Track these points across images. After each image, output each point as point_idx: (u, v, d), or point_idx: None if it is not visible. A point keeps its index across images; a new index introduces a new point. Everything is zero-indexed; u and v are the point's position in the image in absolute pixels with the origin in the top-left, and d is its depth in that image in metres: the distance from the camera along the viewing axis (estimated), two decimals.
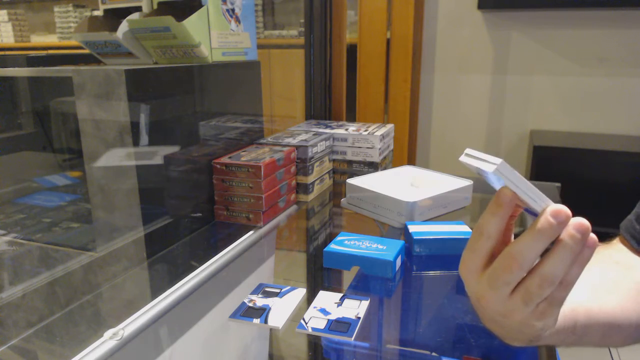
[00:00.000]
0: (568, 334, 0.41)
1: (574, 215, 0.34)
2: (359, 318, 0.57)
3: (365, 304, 0.60)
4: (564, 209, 0.33)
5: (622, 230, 0.61)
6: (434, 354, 0.52)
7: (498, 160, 0.33)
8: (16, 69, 0.94)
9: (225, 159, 0.88)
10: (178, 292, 0.65)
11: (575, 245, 0.33)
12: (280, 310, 0.59)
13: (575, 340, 0.42)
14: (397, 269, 0.69)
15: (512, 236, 0.39)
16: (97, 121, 0.71)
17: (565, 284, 0.35)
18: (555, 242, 0.34)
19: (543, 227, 0.33)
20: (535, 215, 0.36)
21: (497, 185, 0.36)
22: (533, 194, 0.34)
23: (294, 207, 0.99)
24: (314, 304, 0.60)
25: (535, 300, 0.35)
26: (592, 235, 0.34)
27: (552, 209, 0.33)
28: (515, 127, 2.16)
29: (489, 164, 0.34)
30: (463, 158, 0.36)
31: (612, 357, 1.59)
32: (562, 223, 0.33)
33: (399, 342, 0.57)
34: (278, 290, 0.64)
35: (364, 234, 0.75)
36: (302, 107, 1.46)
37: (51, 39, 3.71)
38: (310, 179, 1.01)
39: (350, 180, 0.96)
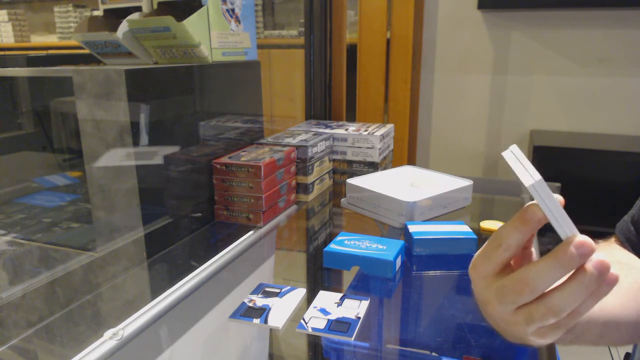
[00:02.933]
0: (566, 333, 0.41)
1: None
2: (359, 318, 0.57)
3: (365, 304, 0.60)
4: (589, 242, 0.32)
5: (617, 231, 0.61)
6: (434, 354, 0.52)
7: (537, 176, 0.32)
8: (16, 69, 0.94)
9: (225, 159, 0.88)
10: (178, 292, 0.65)
11: (591, 283, 0.32)
12: (280, 310, 0.59)
13: (573, 338, 0.42)
14: (397, 269, 0.69)
15: (533, 248, 0.38)
16: (97, 121, 0.71)
17: (574, 314, 0.34)
18: (572, 274, 0.33)
19: (563, 257, 0.32)
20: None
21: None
22: (562, 220, 0.33)
23: (294, 207, 0.99)
24: (314, 304, 0.60)
25: (537, 325, 0.35)
26: (613, 272, 0.33)
27: (577, 241, 0.32)
28: (515, 127, 2.16)
29: (527, 176, 0.32)
30: (506, 154, 0.34)
31: (611, 357, 1.59)
32: (584, 256, 0.32)
33: (399, 342, 0.57)
34: (278, 290, 0.64)
35: (364, 234, 0.75)
36: (302, 107, 1.46)
37: (51, 39, 3.71)
38: (310, 179, 1.01)
39: (350, 180, 0.96)
